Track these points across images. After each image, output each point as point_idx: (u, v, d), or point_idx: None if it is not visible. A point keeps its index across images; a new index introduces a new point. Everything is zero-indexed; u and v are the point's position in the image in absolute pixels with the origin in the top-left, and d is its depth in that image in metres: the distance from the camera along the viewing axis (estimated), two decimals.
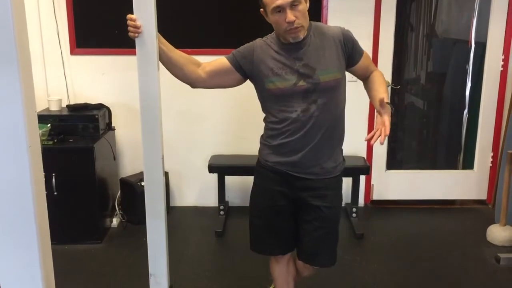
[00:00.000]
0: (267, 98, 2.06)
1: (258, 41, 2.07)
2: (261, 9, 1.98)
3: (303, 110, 1.98)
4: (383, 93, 2.02)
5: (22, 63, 0.90)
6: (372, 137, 1.91)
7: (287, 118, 2.00)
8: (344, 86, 2.08)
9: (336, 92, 2.03)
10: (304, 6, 1.92)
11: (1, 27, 0.89)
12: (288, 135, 2.02)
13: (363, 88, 2.23)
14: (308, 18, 1.96)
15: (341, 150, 2.17)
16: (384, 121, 1.92)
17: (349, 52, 2.05)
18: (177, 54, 2.00)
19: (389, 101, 1.98)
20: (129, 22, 1.81)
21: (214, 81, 2.09)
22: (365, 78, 2.20)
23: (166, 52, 1.95)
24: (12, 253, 1.04)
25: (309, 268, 2.27)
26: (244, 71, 2.05)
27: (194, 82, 2.07)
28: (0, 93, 0.91)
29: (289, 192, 2.11)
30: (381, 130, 1.90)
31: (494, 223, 3.55)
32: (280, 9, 1.88)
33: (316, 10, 3.70)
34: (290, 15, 1.87)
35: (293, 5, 1.87)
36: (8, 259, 1.04)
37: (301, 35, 1.95)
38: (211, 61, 2.08)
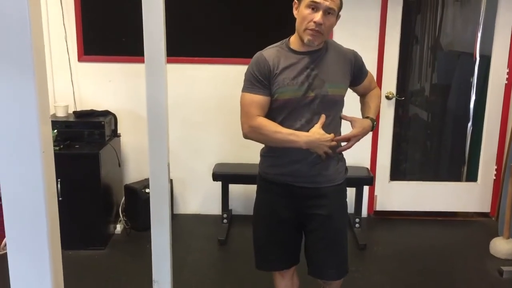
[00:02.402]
0: (272, 108, 2.04)
1: (266, 52, 2.03)
2: (296, 0, 1.99)
3: (307, 121, 2.00)
4: (369, 111, 2.19)
5: (38, 69, 0.92)
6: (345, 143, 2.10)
7: (290, 127, 2.00)
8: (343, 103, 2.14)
9: (338, 106, 2.08)
10: (334, 20, 1.96)
11: (19, 34, 0.91)
12: None
13: None
14: (329, 33, 2.02)
15: (343, 158, 2.19)
16: (351, 136, 2.08)
17: (356, 74, 2.12)
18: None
19: (373, 117, 2.16)
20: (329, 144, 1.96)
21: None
22: (364, 95, 2.27)
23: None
24: (23, 258, 1.05)
25: (326, 282, 2.25)
26: (270, 88, 2.00)
27: None
28: (16, 99, 0.93)
29: (291, 204, 2.11)
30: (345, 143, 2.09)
31: (498, 236, 3.54)
32: (315, 6, 1.89)
33: None
34: (320, 18, 1.89)
35: (327, 12, 1.90)
36: (18, 264, 1.06)
37: (317, 42, 1.96)
38: (254, 110, 1.99)
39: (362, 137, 2.10)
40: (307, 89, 1.98)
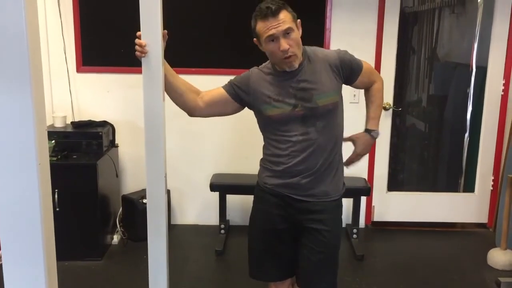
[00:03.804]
0: (266, 124, 2.07)
1: (254, 69, 2.10)
2: (255, 39, 2.00)
3: (303, 134, 2.00)
4: (367, 121, 2.22)
5: (35, 82, 0.93)
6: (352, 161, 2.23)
7: (287, 141, 2.01)
8: (342, 107, 2.11)
9: (334, 115, 2.05)
10: (296, 34, 1.94)
11: (16, 47, 0.92)
12: (288, 158, 2.02)
13: (364, 109, 2.27)
14: (301, 45, 1.98)
15: (342, 172, 2.17)
16: (355, 156, 2.22)
17: (346, 75, 2.07)
18: (179, 81, 2.02)
19: (375, 129, 2.20)
20: (136, 40, 1.84)
21: (212, 110, 2.11)
22: (367, 89, 2.24)
23: (169, 77, 1.97)
24: (18, 269, 1.05)
25: None
26: (242, 100, 2.07)
27: (191, 110, 2.08)
28: (12, 111, 0.93)
29: (288, 216, 2.10)
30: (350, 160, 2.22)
31: (495, 247, 3.54)
32: (273, 38, 1.90)
33: (319, 33, 3.75)
34: (284, 44, 1.89)
35: (286, 34, 1.90)
36: (13, 275, 1.06)
37: (296, 64, 1.97)
38: (209, 91, 2.10)
39: (368, 151, 2.23)
40: (294, 105, 1.98)
